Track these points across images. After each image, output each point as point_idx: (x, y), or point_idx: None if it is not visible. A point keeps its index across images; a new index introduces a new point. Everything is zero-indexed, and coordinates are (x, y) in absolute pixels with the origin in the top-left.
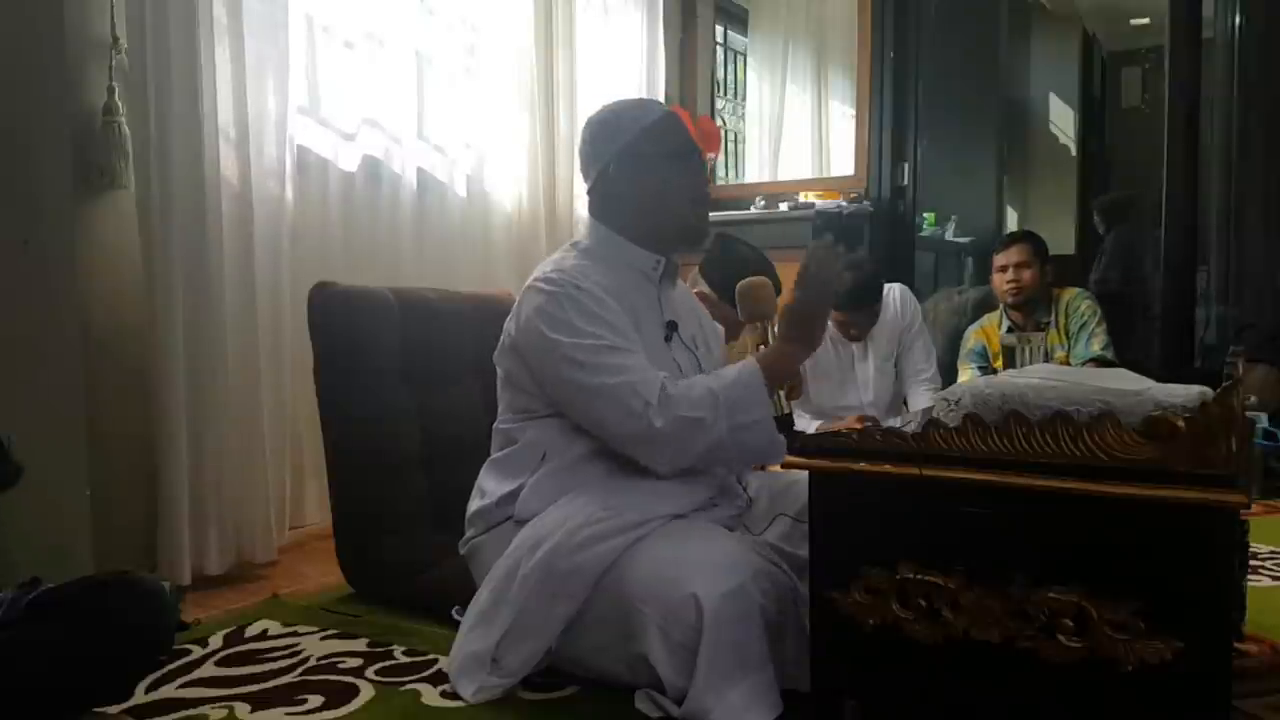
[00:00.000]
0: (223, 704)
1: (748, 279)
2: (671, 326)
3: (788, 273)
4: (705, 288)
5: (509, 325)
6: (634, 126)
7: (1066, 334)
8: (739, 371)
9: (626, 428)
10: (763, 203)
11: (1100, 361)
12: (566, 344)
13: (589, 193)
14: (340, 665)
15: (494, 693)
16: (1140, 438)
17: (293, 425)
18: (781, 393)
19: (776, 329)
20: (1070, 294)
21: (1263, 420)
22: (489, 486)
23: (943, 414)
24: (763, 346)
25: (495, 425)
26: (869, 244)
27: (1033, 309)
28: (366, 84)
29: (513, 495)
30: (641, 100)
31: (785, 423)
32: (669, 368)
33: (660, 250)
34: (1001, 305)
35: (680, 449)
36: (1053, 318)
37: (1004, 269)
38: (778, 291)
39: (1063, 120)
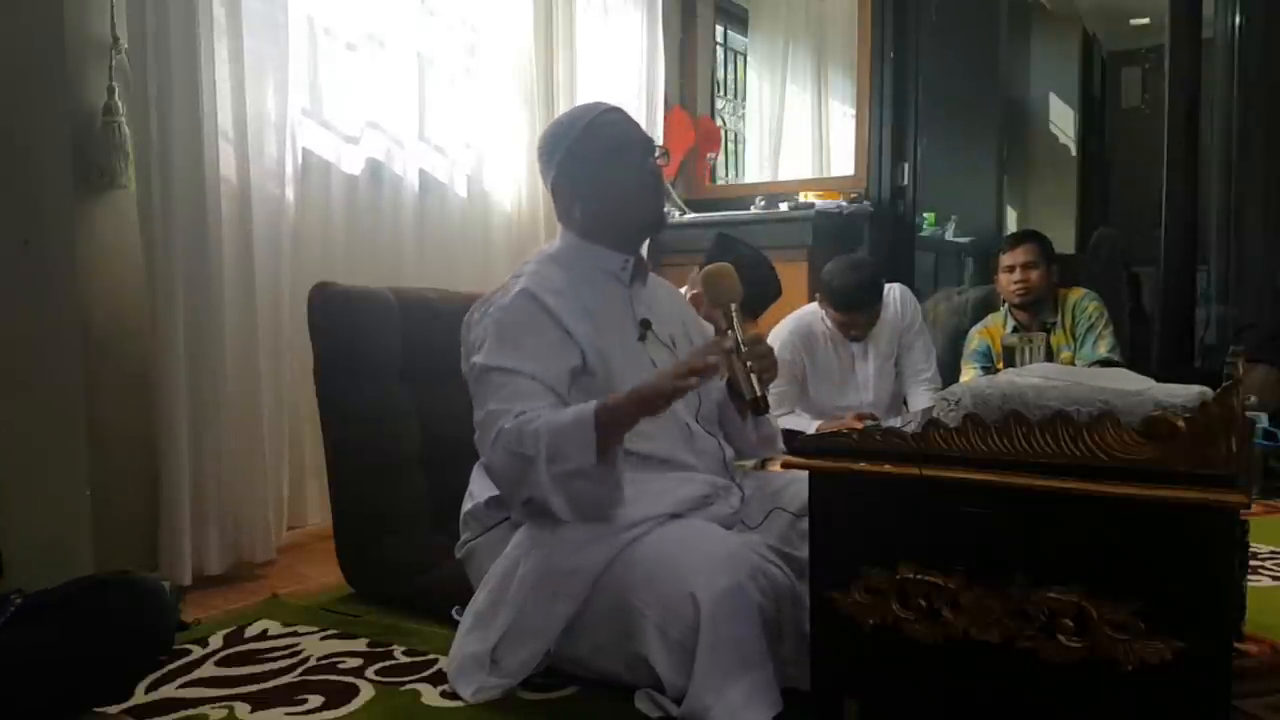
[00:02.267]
0: (223, 704)
1: (710, 265)
2: (645, 325)
3: (787, 273)
4: (702, 289)
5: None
6: (572, 130)
7: (1072, 335)
8: (576, 412)
9: (481, 454)
10: (763, 203)
11: (1107, 364)
12: (475, 365)
13: (554, 203)
14: (340, 665)
15: (493, 693)
16: (1140, 438)
17: (293, 425)
18: (754, 376)
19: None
20: (1076, 295)
21: (1263, 420)
22: (477, 489)
23: (943, 414)
24: (730, 331)
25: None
26: (869, 244)
27: (1038, 309)
28: (368, 86)
29: (501, 498)
30: (584, 105)
31: (759, 406)
32: (643, 366)
33: (623, 248)
34: (1006, 305)
35: (509, 488)
36: (1058, 318)
37: (1011, 269)
38: (776, 294)
39: (1063, 120)
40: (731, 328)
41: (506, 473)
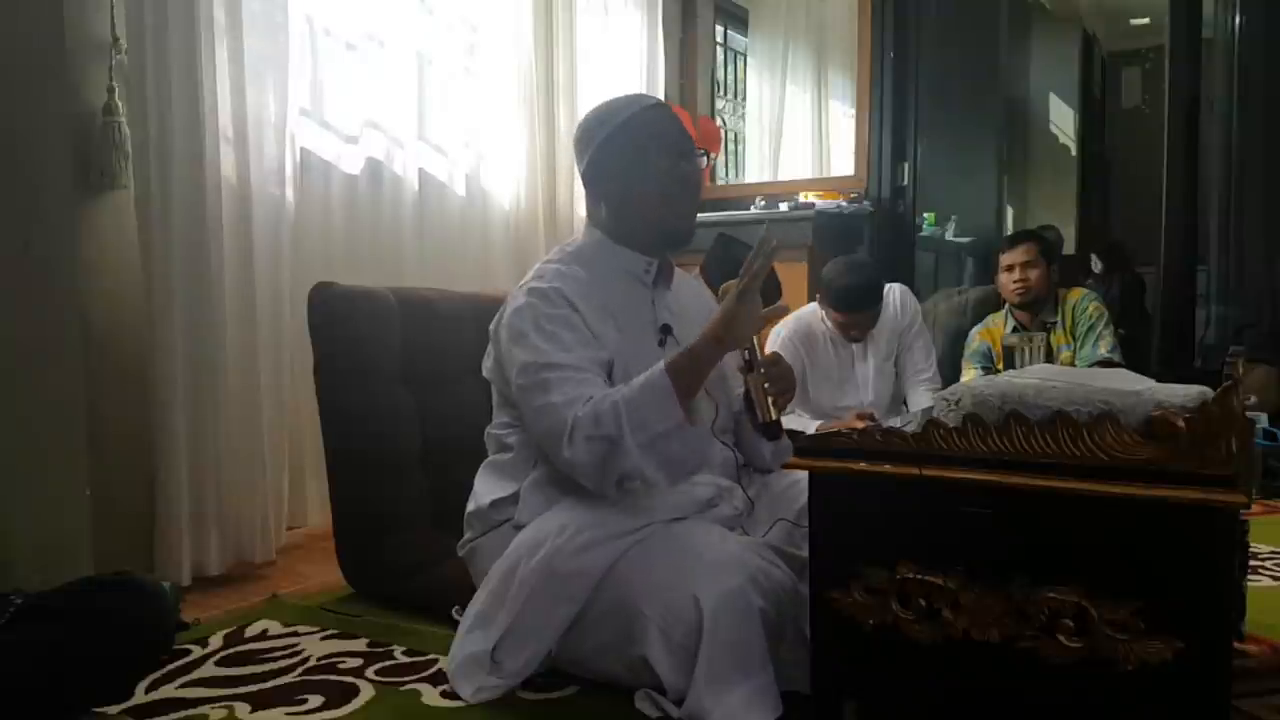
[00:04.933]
0: (223, 704)
1: (731, 281)
2: (665, 330)
3: (787, 273)
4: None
5: (491, 331)
6: (611, 122)
7: (1073, 335)
8: (646, 377)
9: (553, 453)
10: (763, 203)
11: (1108, 364)
12: (518, 360)
13: (585, 194)
14: (340, 665)
15: (494, 693)
16: (1140, 438)
17: (293, 425)
18: (770, 400)
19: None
20: (1077, 295)
21: (1263, 420)
22: (481, 490)
23: (943, 414)
24: (747, 353)
25: (488, 430)
26: (869, 244)
27: (1038, 309)
28: (368, 85)
29: (506, 500)
30: (632, 96)
31: (773, 430)
32: None
33: (646, 251)
34: (1006, 305)
35: (598, 473)
36: (1058, 318)
37: (1010, 269)
38: (777, 294)
39: (1063, 120)
40: (750, 347)
41: (591, 459)
